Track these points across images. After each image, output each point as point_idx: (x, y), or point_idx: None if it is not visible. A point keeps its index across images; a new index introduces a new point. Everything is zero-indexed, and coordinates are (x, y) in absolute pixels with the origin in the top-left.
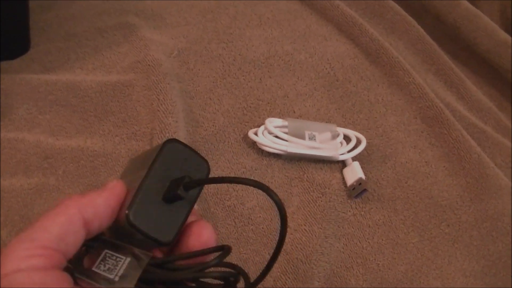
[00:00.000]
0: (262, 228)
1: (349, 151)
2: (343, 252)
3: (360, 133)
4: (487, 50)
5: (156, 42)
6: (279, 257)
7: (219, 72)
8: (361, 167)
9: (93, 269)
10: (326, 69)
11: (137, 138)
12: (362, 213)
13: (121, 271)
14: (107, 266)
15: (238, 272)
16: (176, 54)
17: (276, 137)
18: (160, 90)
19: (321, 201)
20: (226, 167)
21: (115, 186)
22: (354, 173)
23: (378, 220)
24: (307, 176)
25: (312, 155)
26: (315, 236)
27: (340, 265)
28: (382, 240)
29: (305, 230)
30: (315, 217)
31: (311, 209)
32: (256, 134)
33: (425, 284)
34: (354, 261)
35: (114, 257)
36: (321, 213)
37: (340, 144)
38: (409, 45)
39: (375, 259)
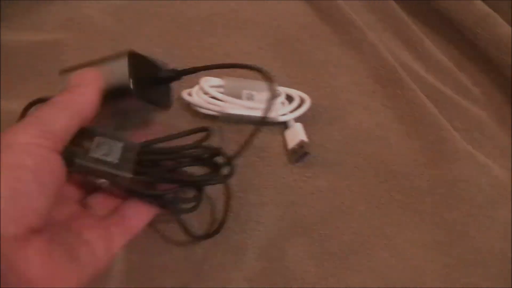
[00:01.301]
0: None
1: (291, 112)
2: (282, 221)
3: (307, 93)
4: (448, 6)
5: None
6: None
7: (156, 30)
8: (305, 130)
9: (90, 154)
10: (273, 27)
11: None
12: (304, 178)
13: (118, 155)
14: (103, 151)
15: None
16: (112, 11)
17: (212, 97)
18: (92, 49)
19: (258, 165)
20: (158, 130)
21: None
22: (295, 135)
23: (322, 186)
24: (227, 136)
25: (249, 116)
26: (250, 203)
27: (278, 235)
28: (326, 207)
29: (240, 197)
30: (251, 182)
31: (247, 174)
32: (190, 94)
33: (372, 254)
34: (294, 230)
35: (107, 143)
36: (258, 179)
37: (281, 105)
38: (365, 3)
39: (317, 228)
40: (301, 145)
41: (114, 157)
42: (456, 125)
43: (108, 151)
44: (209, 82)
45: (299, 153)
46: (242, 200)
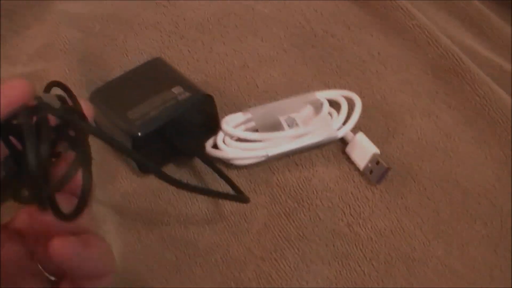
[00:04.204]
0: None
1: (344, 123)
2: (335, 283)
3: None
4: None
5: (73, 15)
6: None
7: (155, 45)
8: None
9: None
10: (299, 22)
11: None
12: (360, 221)
13: None
14: None
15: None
16: (99, 28)
17: (246, 140)
18: (75, 81)
19: (298, 212)
20: None
21: None
22: (363, 150)
23: (384, 229)
24: (277, 179)
25: (302, 147)
26: (289, 265)
27: None
28: (391, 257)
29: (275, 258)
30: (288, 237)
31: (283, 225)
32: (216, 146)
33: None
34: None
35: None
36: (297, 230)
37: (330, 116)
38: None
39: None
40: (376, 160)
41: None
42: None
43: None
44: (232, 122)
45: (378, 172)
46: (278, 262)
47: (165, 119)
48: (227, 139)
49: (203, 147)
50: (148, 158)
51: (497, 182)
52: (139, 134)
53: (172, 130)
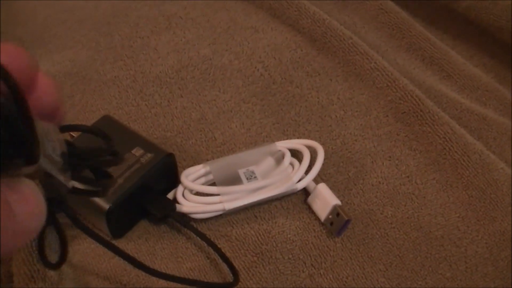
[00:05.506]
0: None
1: (307, 172)
2: None
3: None
4: (471, 5)
5: None
6: None
7: (113, 101)
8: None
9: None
10: (258, 70)
11: None
12: (322, 271)
13: None
14: None
15: None
16: None
17: (204, 194)
18: None
19: (257, 266)
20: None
21: None
22: (324, 201)
23: (346, 278)
24: (237, 232)
25: (259, 200)
26: None
27: None
28: None
29: None
30: None
31: (242, 281)
32: (176, 200)
33: None
34: None
35: None
36: (257, 285)
37: (291, 167)
38: (369, 19)
39: None
40: (336, 211)
41: None
42: (509, 157)
43: None
44: (191, 175)
45: (339, 224)
46: None
47: (133, 185)
48: (187, 193)
49: (174, 208)
50: (121, 222)
51: (461, 223)
52: (110, 206)
53: (141, 194)
